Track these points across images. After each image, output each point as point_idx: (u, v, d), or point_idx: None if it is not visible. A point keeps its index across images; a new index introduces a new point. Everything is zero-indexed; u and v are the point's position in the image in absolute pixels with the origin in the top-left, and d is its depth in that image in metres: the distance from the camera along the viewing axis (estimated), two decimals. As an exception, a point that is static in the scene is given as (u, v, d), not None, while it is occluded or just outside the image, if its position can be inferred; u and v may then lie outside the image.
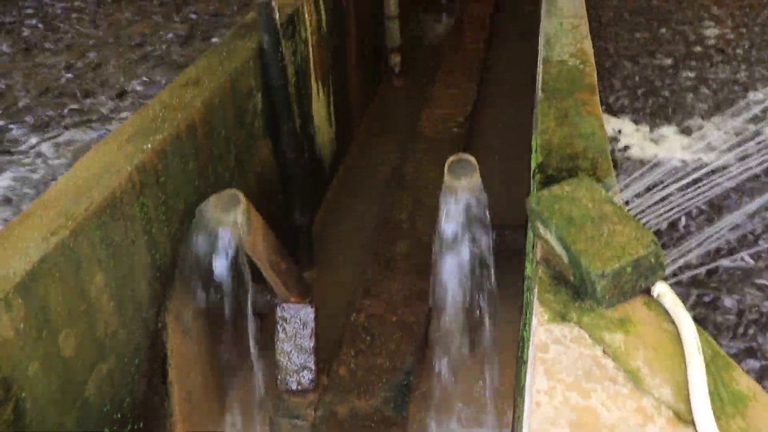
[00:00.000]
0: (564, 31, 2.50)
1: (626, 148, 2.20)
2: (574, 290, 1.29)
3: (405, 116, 4.28)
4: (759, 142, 1.78)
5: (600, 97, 2.05)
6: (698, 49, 2.77)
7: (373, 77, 4.42)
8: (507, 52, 5.05)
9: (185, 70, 2.47)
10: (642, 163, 2.01)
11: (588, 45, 2.38)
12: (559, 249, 1.31)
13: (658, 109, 2.41)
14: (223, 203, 2.05)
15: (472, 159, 2.20)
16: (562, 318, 1.23)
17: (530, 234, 1.61)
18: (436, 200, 2.23)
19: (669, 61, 2.74)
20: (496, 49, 5.11)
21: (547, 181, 1.64)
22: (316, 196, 3.38)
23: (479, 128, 4.15)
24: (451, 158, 2.20)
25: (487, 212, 2.17)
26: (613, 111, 2.40)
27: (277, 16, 2.60)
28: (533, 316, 1.28)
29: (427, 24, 5.48)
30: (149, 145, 1.99)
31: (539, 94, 2.08)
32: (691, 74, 2.62)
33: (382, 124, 4.23)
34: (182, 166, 2.15)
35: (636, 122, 2.33)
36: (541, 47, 2.44)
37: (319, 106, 3.36)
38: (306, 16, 3.14)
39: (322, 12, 3.36)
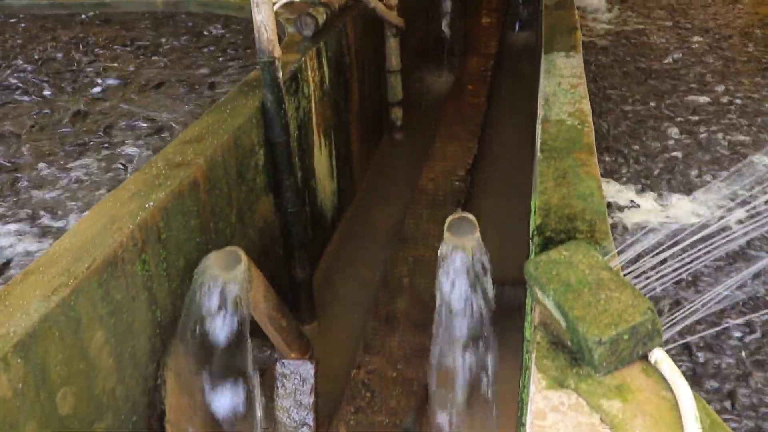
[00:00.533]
0: (563, 91, 2.54)
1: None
2: (572, 355, 1.29)
3: (406, 170, 4.32)
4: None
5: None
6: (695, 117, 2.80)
7: (375, 131, 4.46)
8: (507, 106, 5.11)
9: (189, 127, 2.51)
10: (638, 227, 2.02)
11: (586, 105, 2.41)
12: (557, 314, 1.31)
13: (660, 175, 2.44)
14: (224, 261, 2.06)
15: (472, 217, 2.21)
16: (560, 384, 1.23)
17: (529, 298, 1.62)
18: (436, 255, 2.24)
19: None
20: (497, 103, 5.16)
21: (546, 243, 1.65)
22: (317, 250, 3.39)
23: (480, 182, 4.17)
24: (451, 217, 2.21)
25: (488, 270, 2.18)
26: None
27: (280, 75, 2.64)
28: (531, 382, 1.28)
29: (428, 78, 5.55)
30: (152, 203, 2.01)
31: (538, 154, 2.10)
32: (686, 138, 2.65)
33: (383, 178, 4.26)
34: (184, 223, 2.16)
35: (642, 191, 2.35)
36: (540, 106, 2.47)
37: (321, 160, 3.39)
38: (309, 72, 3.19)
39: (325, 68, 3.41)
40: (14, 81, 3.42)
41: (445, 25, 5.79)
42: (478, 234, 2.22)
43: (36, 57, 3.73)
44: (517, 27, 7.04)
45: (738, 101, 2.79)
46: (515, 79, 5.67)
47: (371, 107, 4.30)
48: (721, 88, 2.91)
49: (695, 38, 3.38)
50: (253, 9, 2.52)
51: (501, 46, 6.30)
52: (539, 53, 3.23)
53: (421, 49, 5.75)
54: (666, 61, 3.17)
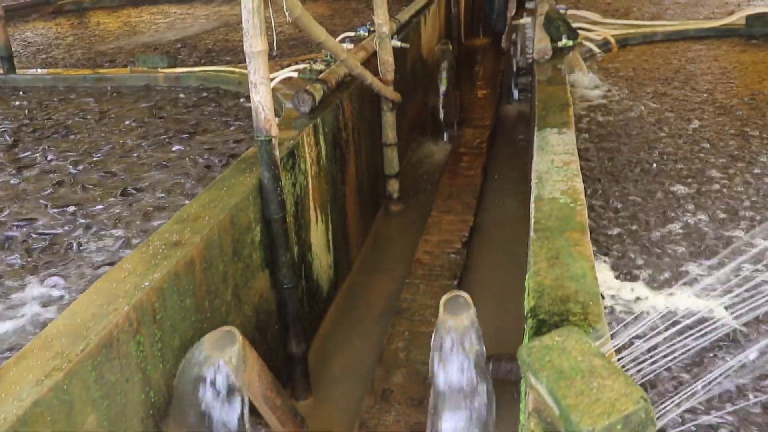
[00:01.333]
0: (555, 168, 2.58)
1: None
2: (567, 444, 1.28)
3: (402, 242, 4.34)
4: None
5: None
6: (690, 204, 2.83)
7: (372, 204, 4.50)
8: (503, 178, 5.17)
9: (186, 205, 2.53)
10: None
11: (579, 183, 2.45)
12: (550, 401, 1.31)
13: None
14: (219, 341, 2.06)
15: (467, 296, 2.22)
16: (555, 474, 1.22)
17: (523, 383, 1.62)
18: (432, 329, 2.24)
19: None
20: (493, 175, 5.22)
21: (539, 326, 1.66)
22: (313, 325, 3.38)
23: (476, 254, 4.19)
24: (446, 296, 2.22)
25: (483, 348, 2.17)
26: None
27: (277, 152, 2.68)
28: (525, 472, 1.27)
29: (425, 150, 5.63)
30: (148, 283, 2.02)
31: (532, 233, 2.12)
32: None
33: (379, 250, 4.28)
34: (180, 303, 2.17)
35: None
36: (533, 184, 2.51)
37: (318, 234, 3.41)
38: (306, 148, 3.24)
39: (322, 143, 3.46)
40: None
41: (440, 97, 5.89)
42: (473, 312, 2.22)
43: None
44: (512, 98, 7.17)
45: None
46: (511, 150, 5.74)
47: (368, 180, 4.35)
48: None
49: (683, 122, 3.44)
50: (252, 90, 2.58)
51: (497, 117, 6.40)
52: (533, 127, 3.28)
53: (417, 121, 5.84)
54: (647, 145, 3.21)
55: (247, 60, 2.55)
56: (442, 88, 5.81)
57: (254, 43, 2.49)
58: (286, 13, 2.67)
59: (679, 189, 2.76)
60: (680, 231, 2.46)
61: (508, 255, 4.10)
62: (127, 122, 3.89)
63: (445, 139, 5.87)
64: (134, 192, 3.04)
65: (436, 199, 4.69)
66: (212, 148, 3.44)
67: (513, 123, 6.49)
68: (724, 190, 2.72)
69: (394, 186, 4.61)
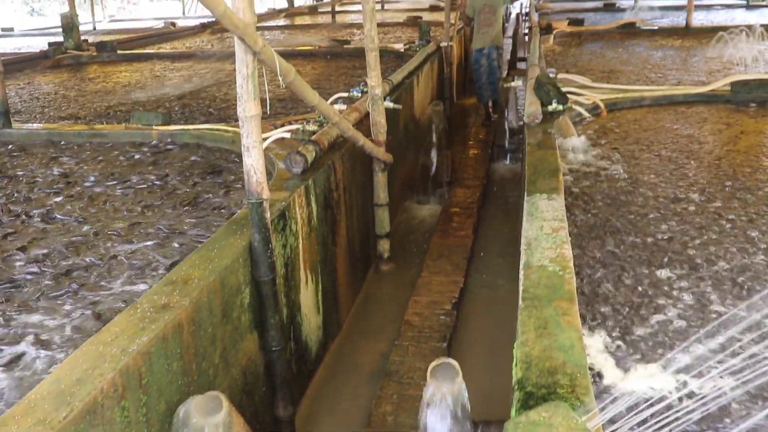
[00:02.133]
0: (545, 235, 2.59)
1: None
2: None
3: (392, 303, 4.33)
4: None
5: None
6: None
7: (362, 264, 4.51)
8: (494, 239, 5.19)
9: (176, 267, 2.53)
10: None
11: (568, 250, 2.46)
12: (536, 479, 1.30)
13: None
14: (205, 407, 2.04)
15: (455, 363, 2.20)
16: None
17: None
18: (421, 392, 2.22)
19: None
20: (484, 236, 5.25)
21: (527, 399, 1.65)
22: (301, 387, 3.36)
23: (466, 316, 4.18)
24: (434, 363, 2.21)
25: (469, 417, 2.16)
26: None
27: (268, 215, 2.70)
28: None
29: (416, 210, 5.66)
30: (135, 347, 2.01)
31: (520, 302, 2.13)
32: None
33: (369, 311, 4.27)
34: (166, 367, 2.15)
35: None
36: (522, 250, 2.52)
37: (307, 296, 3.41)
38: (297, 209, 3.26)
39: (313, 205, 3.49)
40: None
41: (432, 157, 5.95)
42: (461, 379, 2.21)
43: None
44: (504, 158, 7.25)
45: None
46: (502, 211, 5.78)
47: (358, 240, 4.36)
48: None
49: (673, 188, 3.47)
50: (244, 153, 2.61)
51: (488, 176, 6.46)
52: (523, 192, 3.31)
53: (408, 181, 5.89)
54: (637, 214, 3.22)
55: (240, 124, 2.59)
56: (434, 148, 5.88)
57: (248, 108, 2.53)
58: (280, 78, 2.71)
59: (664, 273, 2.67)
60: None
61: (498, 316, 4.11)
62: (113, 184, 3.90)
63: (436, 199, 5.91)
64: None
65: (427, 260, 4.71)
66: (204, 213, 3.44)
67: (504, 183, 6.55)
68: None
69: (384, 246, 4.62)
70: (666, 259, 2.67)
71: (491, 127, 8.40)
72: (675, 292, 2.44)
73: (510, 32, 16.12)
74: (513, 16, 18.12)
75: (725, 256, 2.67)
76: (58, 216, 3.39)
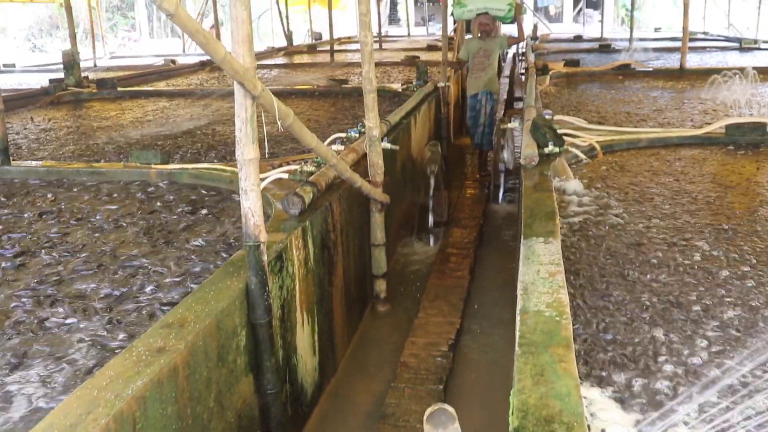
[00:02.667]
0: (541, 280, 2.60)
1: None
2: None
3: (389, 343, 4.32)
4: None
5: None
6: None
7: (358, 304, 4.50)
8: (491, 279, 5.19)
9: (172, 310, 2.53)
10: None
11: (564, 295, 2.46)
12: None
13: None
14: (199, 453, 2.03)
15: (451, 410, 2.19)
16: None
17: None
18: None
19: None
20: (481, 276, 5.25)
21: (523, 449, 1.65)
22: (296, 430, 3.33)
23: (463, 358, 4.17)
24: (430, 409, 2.19)
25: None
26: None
27: (265, 258, 2.70)
28: None
29: (413, 249, 5.67)
30: (130, 392, 2.00)
31: (517, 348, 2.12)
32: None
33: (365, 352, 4.25)
34: (161, 411, 2.14)
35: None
36: (518, 295, 2.52)
37: (303, 337, 3.40)
38: (294, 251, 3.26)
39: (310, 246, 3.49)
40: None
41: (429, 197, 5.98)
42: (457, 426, 2.20)
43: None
44: (501, 198, 7.28)
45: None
46: (499, 251, 5.79)
47: (355, 281, 4.36)
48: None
49: (669, 232, 3.49)
50: (242, 196, 2.62)
51: (485, 217, 6.49)
52: (519, 234, 3.32)
53: (405, 221, 5.91)
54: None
55: (238, 167, 2.60)
56: (431, 188, 5.90)
57: (246, 152, 2.55)
58: (279, 122, 2.73)
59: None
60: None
61: (495, 358, 4.10)
62: (108, 220, 3.91)
63: (433, 239, 5.92)
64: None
65: (424, 300, 4.71)
66: (199, 249, 3.45)
67: (501, 223, 6.57)
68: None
69: (381, 286, 4.62)
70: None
71: (488, 178, 8.13)
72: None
73: (507, 71, 16.29)
74: (510, 56, 18.31)
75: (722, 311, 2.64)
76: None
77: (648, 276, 2.89)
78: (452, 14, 8.49)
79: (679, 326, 2.48)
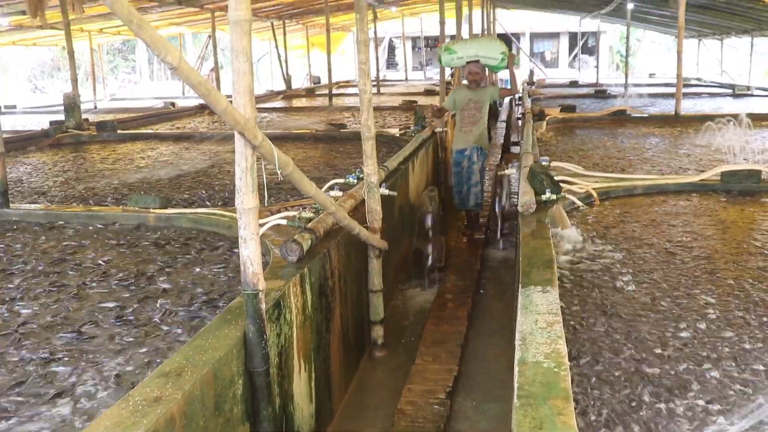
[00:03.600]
0: (539, 330, 2.60)
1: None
2: None
3: (386, 390, 4.29)
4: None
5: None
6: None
7: (356, 350, 4.48)
8: (488, 326, 5.18)
9: (170, 358, 2.52)
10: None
11: (562, 345, 2.46)
12: None
13: None
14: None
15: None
16: None
17: None
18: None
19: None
20: (478, 322, 5.24)
21: (522, 505, 1.64)
22: (292, 480, 3.29)
23: (460, 405, 4.14)
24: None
25: None
26: None
27: (263, 306, 2.71)
28: None
29: (410, 295, 5.66)
30: (126, 443, 1.99)
31: (515, 399, 2.12)
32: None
33: (362, 398, 4.22)
34: (156, 463, 2.12)
35: None
36: (516, 345, 2.51)
37: (300, 385, 3.38)
38: (292, 298, 3.26)
39: (308, 293, 3.49)
40: None
41: (427, 243, 5.98)
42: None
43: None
44: (499, 244, 7.29)
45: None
46: (496, 298, 5.79)
47: (352, 327, 4.35)
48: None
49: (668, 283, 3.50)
50: (241, 244, 2.63)
51: (482, 262, 6.49)
52: (517, 283, 3.32)
53: (403, 266, 5.91)
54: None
55: (238, 215, 2.62)
56: (429, 233, 5.92)
57: (246, 201, 2.57)
58: (278, 171, 2.76)
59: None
60: None
61: (492, 405, 4.07)
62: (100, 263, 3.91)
63: (430, 285, 5.92)
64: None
65: (421, 346, 4.69)
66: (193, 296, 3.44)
67: (498, 268, 6.57)
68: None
69: (378, 332, 4.61)
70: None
71: (479, 241, 7.31)
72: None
73: (504, 116, 16.44)
74: (507, 101, 18.50)
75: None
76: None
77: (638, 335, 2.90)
78: (440, 60, 7.83)
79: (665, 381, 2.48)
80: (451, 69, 10.19)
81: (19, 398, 2.51)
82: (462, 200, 7.45)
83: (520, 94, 13.34)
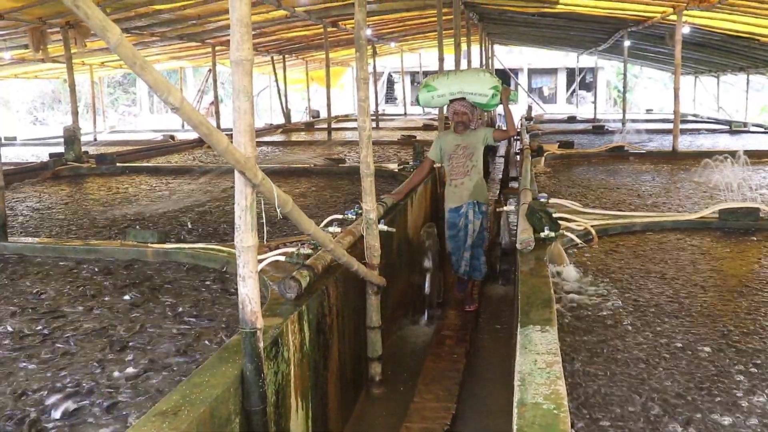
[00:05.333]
0: (538, 370, 2.58)
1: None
2: None
3: (384, 428, 4.26)
4: None
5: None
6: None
7: (353, 387, 4.45)
8: (487, 364, 5.15)
9: (167, 396, 2.50)
10: None
11: (562, 386, 2.44)
12: None
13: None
14: None
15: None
16: None
17: None
18: None
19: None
20: (477, 360, 5.21)
21: None
22: None
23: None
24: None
25: None
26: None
27: (261, 344, 2.69)
28: None
29: (408, 332, 5.64)
30: (120, 485, 1.96)
31: (514, 444, 2.10)
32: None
33: (360, 437, 4.19)
34: (152, 505, 2.10)
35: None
36: (516, 386, 2.50)
37: (298, 423, 3.35)
38: (290, 336, 3.25)
39: (306, 330, 3.48)
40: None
41: (425, 279, 5.97)
42: None
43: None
44: (497, 279, 7.28)
45: None
46: (495, 335, 5.76)
47: (350, 364, 4.32)
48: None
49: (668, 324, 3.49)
50: (239, 282, 2.63)
51: (481, 299, 6.47)
52: (516, 322, 3.31)
53: (401, 302, 5.89)
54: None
55: (237, 253, 2.62)
56: (427, 269, 5.90)
57: (245, 239, 2.57)
58: (278, 210, 2.76)
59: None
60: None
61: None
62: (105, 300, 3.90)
63: (428, 321, 5.89)
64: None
65: (419, 384, 4.66)
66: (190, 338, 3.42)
67: (497, 304, 6.55)
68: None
69: (376, 369, 4.58)
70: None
71: (471, 316, 6.07)
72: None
73: (502, 151, 16.51)
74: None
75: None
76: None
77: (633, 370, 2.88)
78: (417, 101, 6.38)
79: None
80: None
81: None
82: (461, 266, 6.03)
83: (519, 134, 13.20)
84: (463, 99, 5.85)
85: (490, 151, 13.12)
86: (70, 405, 2.66)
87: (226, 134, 2.38)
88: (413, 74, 31.50)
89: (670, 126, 10.60)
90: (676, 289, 3.80)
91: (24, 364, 3.06)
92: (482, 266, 6.12)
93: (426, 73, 30.83)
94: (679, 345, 3.09)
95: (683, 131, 11.49)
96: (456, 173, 5.95)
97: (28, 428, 2.49)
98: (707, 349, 3.04)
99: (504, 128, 6.16)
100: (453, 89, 5.83)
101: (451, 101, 5.91)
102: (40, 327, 3.48)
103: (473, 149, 5.91)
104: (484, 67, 6.37)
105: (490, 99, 5.80)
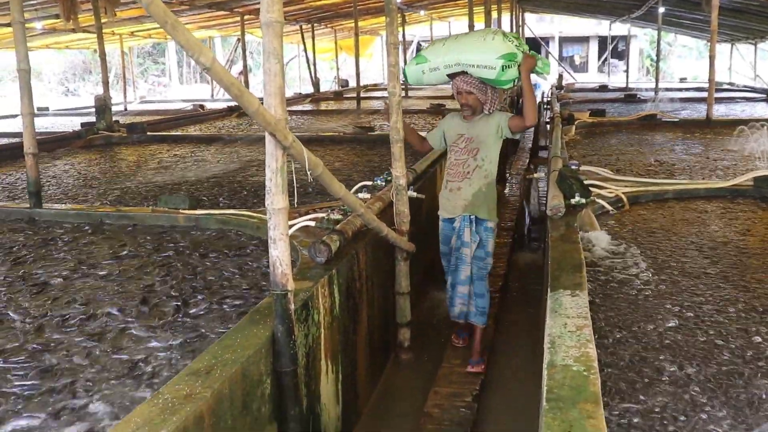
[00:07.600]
0: (568, 333, 2.58)
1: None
2: None
3: (412, 392, 4.29)
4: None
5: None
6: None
7: (382, 353, 4.49)
8: (516, 330, 5.15)
9: (199, 356, 2.54)
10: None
11: (592, 349, 2.44)
12: None
13: None
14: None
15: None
16: None
17: None
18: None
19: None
20: (505, 326, 5.21)
21: (552, 508, 1.63)
22: (318, 481, 3.30)
23: (488, 408, 4.13)
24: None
25: None
26: None
27: (292, 306, 2.72)
28: None
29: (437, 298, 5.64)
30: (156, 440, 2.00)
31: (544, 403, 2.10)
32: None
33: (388, 401, 4.22)
34: (186, 460, 2.14)
35: None
36: (546, 348, 2.50)
37: (327, 386, 3.39)
38: (320, 299, 3.27)
39: (336, 294, 3.50)
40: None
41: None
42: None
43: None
44: (526, 247, 7.26)
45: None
46: (524, 301, 5.75)
47: (379, 329, 4.35)
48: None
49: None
50: (270, 244, 2.65)
51: (509, 266, 6.46)
52: (546, 286, 3.31)
53: (430, 269, 5.89)
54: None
55: (267, 216, 2.63)
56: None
57: (276, 201, 2.58)
58: (308, 172, 2.77)
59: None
60: None
61: (520, 410, 4.04)
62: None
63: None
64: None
65: (448, 350, 4.67)
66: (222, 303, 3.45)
67: (526, 272, 6.54)
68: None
69: (405, 335, 4.60)
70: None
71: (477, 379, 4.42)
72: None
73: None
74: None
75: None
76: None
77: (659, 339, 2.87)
78: (404, 75, 4.49)
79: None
80: None
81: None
82: (456, 305, 4.45)
83: (549, 103, 12.68)
84: (464, 73, 4.19)
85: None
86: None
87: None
88: (443, 43, 31.21)
89: (704, 94, 10.39)
90: (709, 255, 3.76)
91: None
92: (485, 307, 4.41)
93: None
94: (710, 308, 3.08)
95: (718, 100, 11.29)
96: (453, 173, 4.38)
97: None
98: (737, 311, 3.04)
99: (520, 116, 4.23)
100: (448, 60, 4.18)
101: (451, 77, 4.29)
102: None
103: (479, 143, 4.25)
104: (503, 30, 4.14)
105: (499, 72, 4.03)
